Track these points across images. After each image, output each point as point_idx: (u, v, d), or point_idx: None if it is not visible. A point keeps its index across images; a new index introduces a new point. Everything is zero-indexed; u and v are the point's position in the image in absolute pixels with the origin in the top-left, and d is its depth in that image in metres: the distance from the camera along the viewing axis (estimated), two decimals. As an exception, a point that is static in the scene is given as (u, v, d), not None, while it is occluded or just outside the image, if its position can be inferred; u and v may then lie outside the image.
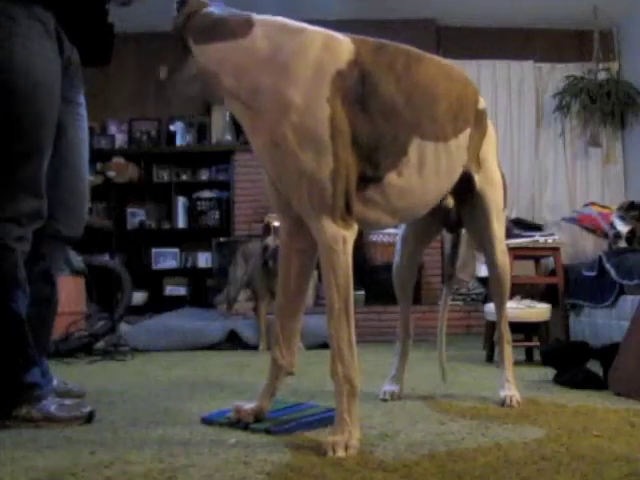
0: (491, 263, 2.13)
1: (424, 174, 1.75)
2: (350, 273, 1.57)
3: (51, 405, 1.84)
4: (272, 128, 1.57)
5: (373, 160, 1.62)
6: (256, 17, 1.65)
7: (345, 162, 1.55)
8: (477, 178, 2.02)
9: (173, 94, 1.72)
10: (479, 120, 1.98)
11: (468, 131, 1.89)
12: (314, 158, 1.53)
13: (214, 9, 1.67)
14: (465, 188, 2.02)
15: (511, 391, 2.09)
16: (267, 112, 1.57)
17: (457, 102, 1.84)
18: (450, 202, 2.03)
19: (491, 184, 2.07)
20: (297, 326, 1.84)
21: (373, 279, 5.17)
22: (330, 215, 1.55)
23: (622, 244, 4.23)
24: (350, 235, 1.57)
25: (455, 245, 2.30)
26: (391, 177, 1.68)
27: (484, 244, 2.13)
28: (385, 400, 2.15)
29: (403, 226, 2.24)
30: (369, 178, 1.64)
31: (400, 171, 1.69)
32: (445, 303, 2.27)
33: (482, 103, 2.02)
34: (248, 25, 1.62)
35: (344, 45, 1.62)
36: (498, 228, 2.09)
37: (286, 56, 1.56)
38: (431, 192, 1.82)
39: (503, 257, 2.12)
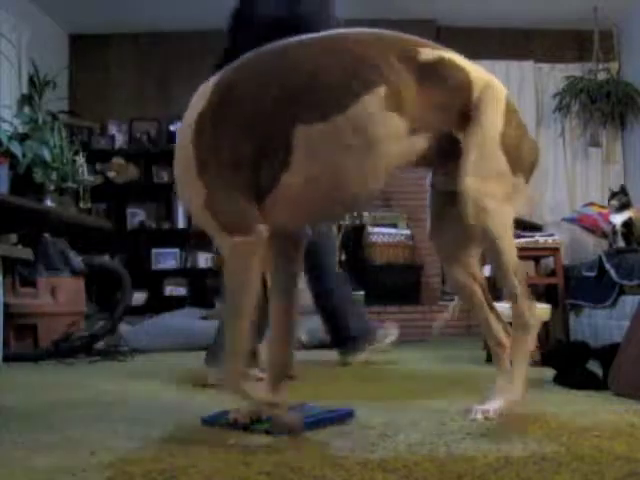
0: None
1: (326, 159, 1.62)
2: (242, 277, 1.62)
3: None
4: None
5: (262, 169, 1.61)
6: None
7: (223, 186, 1.61)
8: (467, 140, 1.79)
9: None
10: (423, 74, 1.74)
11: (382, 90, 1.64)
12: (190, 194, 1.68)
13: None
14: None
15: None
16: None
17: (344, 70, 1.64)
18: None
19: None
20: (292, 325, 1.84)
21: (373, 279, 5.14)
22: (222, 232, 1.63)
23: (620, 240, 4.19)
24: (240, 240, 1.60)
25: None
26: (285, 178, 1.61)
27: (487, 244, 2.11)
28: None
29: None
30: (266, 187, 1.63)
31: (292, 168, 1.61)
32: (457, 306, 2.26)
33: (424, 54, 1.77)
34: None
35: (212, 81, 1.70)
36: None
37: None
38: (351, 171, 1.64)
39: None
